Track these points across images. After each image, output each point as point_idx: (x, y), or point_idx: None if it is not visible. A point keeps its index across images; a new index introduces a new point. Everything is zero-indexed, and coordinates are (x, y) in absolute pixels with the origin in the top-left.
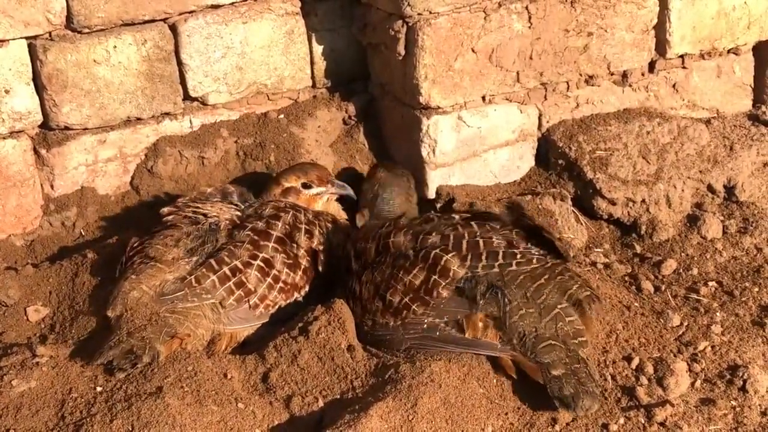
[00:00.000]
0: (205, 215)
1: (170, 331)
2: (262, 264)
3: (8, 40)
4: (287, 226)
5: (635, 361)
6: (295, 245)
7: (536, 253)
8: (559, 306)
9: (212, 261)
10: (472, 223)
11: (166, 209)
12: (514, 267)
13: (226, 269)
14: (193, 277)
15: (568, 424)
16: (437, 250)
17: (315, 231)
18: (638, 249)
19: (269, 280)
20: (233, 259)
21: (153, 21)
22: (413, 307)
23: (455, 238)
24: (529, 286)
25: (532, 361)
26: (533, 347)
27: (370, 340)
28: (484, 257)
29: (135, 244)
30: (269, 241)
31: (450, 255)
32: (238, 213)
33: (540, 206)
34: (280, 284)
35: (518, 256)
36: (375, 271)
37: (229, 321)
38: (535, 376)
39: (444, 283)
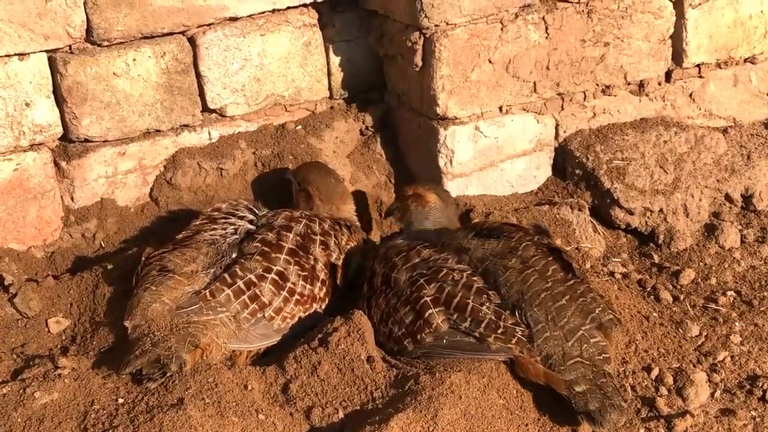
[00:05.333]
0: (222, 236)
1: (194, 340)
2: (276, 277)
3: (29, 54)
4: (299, 237)
5: (655, 372)
6: (311, 257)
7: (519, 332)
8: (582, 328)
9: (226, 275)
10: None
11: (180, 236)
12: (531, 282)
13: (240, 283)
14: (207, 291)
15: None
16: (427, 299)
17: (330, 242)
18: (656, 259)
19: (284, 293)
20: (246, 272)
21: (172, 34)
22: (404, 342)
23: (448, 295)
24: (551, 306)
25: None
26: (559, 365)
27: (384, 349)
28: (469, 321)
29: (151, 255)
30: (281, 253)
31: (437, 309)
32: (250, 225)
33: (557, 216)
34: (296, 296)
35: (500, 330)
36: (380, 298)
37: (249, 340)
38: (557, 386)
39: (427, 331)
